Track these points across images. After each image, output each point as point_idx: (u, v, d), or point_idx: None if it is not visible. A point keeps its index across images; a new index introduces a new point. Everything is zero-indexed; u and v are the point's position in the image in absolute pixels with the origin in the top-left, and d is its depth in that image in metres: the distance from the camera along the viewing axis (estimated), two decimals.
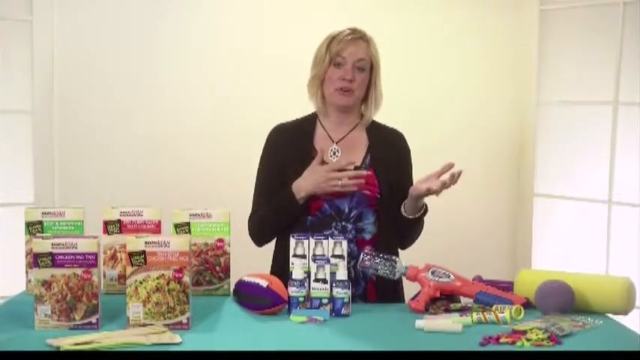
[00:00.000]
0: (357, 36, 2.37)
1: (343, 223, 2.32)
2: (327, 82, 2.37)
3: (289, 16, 3.59)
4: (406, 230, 2.38)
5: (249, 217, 2.43)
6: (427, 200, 2.34)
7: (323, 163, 2.33)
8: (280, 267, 2.31)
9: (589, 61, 3.54)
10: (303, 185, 2.31)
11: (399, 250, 2.42)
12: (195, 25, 3.55)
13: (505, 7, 3.74)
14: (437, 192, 2.24)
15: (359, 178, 2.30)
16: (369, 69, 2.38)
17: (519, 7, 3.72)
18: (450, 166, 2.24)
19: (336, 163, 2.32)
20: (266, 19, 3.59)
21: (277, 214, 2.36)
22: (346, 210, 2.32)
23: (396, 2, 3.68)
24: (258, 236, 2.42)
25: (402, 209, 2.33)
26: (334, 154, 2.39)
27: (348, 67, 2.34)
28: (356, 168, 2.36)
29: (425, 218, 2.38)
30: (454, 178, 2.21)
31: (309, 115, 2.47)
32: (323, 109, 2.43)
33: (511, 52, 3.74)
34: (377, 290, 2.32)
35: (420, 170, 2.34)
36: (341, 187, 2.29)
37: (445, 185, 2.22)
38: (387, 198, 2.34)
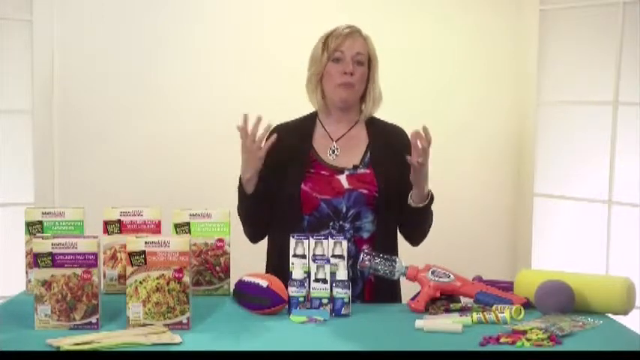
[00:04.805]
0: (354, 30, 2.37)
1: (341, 222, 2.31)
2: (326, 78, 2.36)
3: (290, 16, 3.58)
4: (416, 222, 2.36)
5: None
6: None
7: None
8: (273, 269, 2.30)
9: (589, 61, 3.53)
10: (242, 166, 2.30)
11: (413, 247, 2.42)
12: (195, 26, 3.55)
13: (505, 7, 3.74)
14: (423, 158, 2.18)
15: (244, 124, 2.25)
16: (367, 64, 2.37)
17: (519, 7, 3.72)
18: (417, 132, 2.18)
19: (245, 128, 2.26)
20: (266, 19, 3.59)
21: (239, 203, 2.35)
22: (343, 209, 2.31)
23: (396, 2, 3.67)
24: (246, 231, 2.42)
25: (410, 199, 2.29)
26: (333, 152, 2.39)
27: (347, 60, 2.33)
28: (355, 167, 2.35)
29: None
30: (426, 135, 2.17)
31: (310, 114, 2.46)
32: (324, 108, 2.42)
33: (511, 52, 3.74)
34: (374, 291, 2.32)
35: None
36: (255, 148, 2.25)
37: (424, 147, 2.18)
38: (385, 196, 2.32)
